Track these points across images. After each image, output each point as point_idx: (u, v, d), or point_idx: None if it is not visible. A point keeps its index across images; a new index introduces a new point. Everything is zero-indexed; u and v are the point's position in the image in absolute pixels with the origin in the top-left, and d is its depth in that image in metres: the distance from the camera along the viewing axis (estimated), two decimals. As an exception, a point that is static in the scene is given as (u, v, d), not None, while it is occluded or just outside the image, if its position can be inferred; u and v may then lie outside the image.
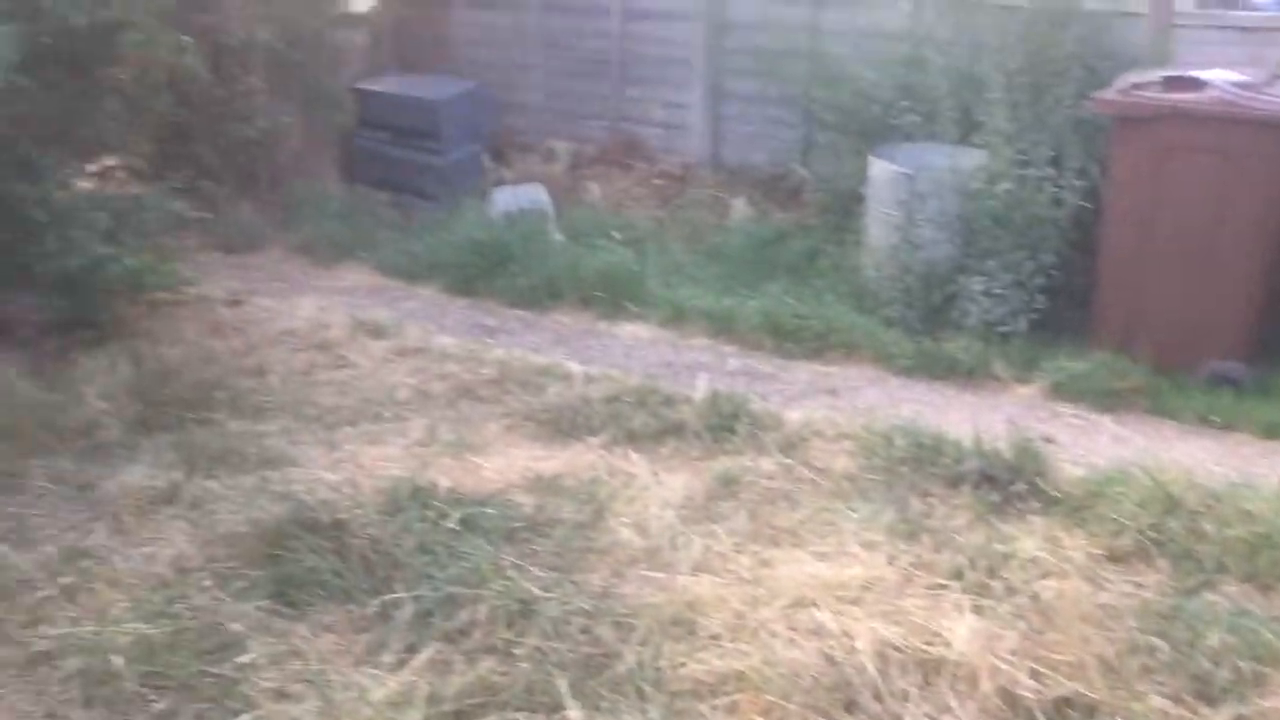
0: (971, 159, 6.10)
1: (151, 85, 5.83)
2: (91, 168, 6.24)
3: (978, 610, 3.45)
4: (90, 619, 3.36)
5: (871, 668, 3.14)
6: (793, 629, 3.35)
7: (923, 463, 4.42)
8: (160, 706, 3.07)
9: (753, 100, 7.95)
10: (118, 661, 3.15)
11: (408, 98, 8.57)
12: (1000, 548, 3.83)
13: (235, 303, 6.37)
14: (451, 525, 3.89)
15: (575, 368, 5.65)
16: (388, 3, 9.24)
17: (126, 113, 5.84)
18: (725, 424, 4.88)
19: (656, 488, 4.35)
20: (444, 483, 4.30)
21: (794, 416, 4.99)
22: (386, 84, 8.86)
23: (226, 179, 7.81)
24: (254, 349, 5.68)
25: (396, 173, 8.50)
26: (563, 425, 5.00)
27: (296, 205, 8.03)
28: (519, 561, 3.73)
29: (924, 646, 3.23)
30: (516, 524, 4.03)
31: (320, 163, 8.47)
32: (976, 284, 5.87)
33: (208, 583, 3.58)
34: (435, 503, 4.04)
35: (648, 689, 3.13)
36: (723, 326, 6.23)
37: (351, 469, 4.52)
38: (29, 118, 4.83)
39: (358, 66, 8.98)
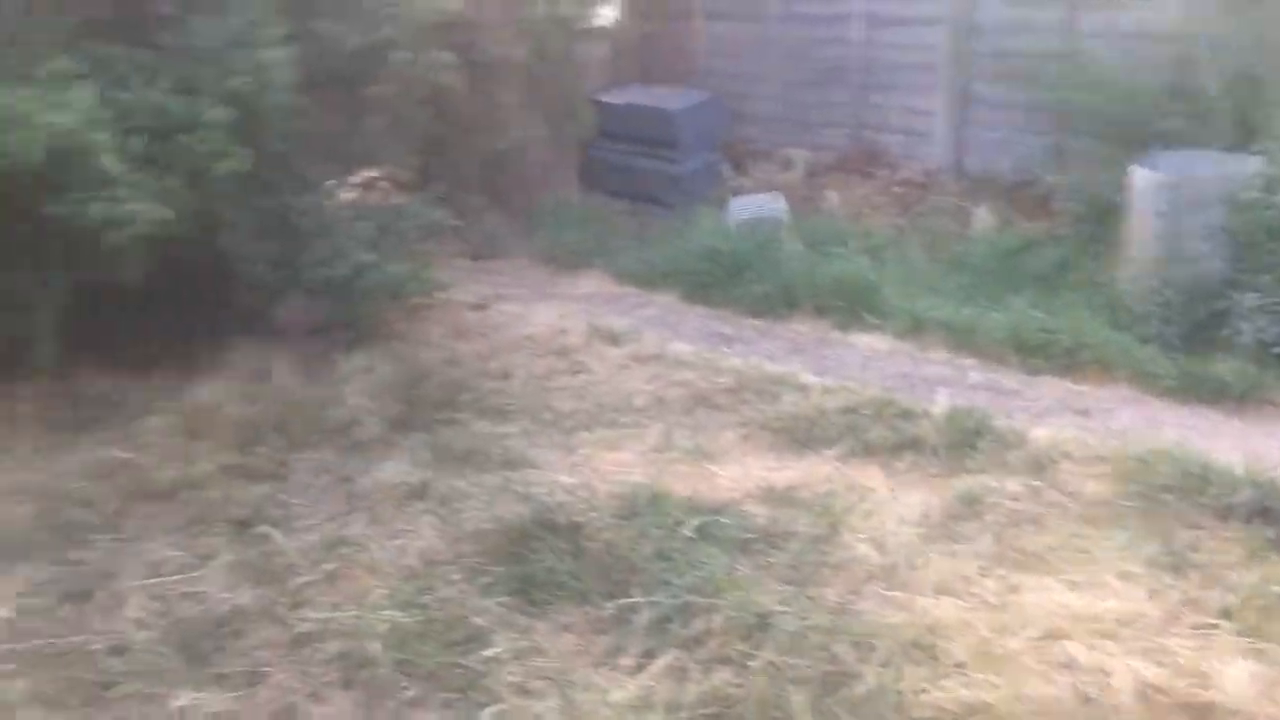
0: (1243, 166, 5.64)
1: (414, 101, 6.15)
2: (355, 180, 6.63)
3: (1254, 654, 3.17)
4: (349, 604, 3.56)
5: (1132, 708, 2.93)
6: (1043, 661, 3.18)
7: (1189, 492, 4.11)
8: (411, 694, 3.21)
9: (999, 106, 7.65)
10: (374, 647, 3.32)
11: (646, 108, 8.73)
12: (1277, 588, 3.52)
13: (480, 308, 6.63)
14: (687, 533, 3.91)
15: (811, 378, 5.58)
16: (630, 17, 9.43)
17: (390, 128, 6.18)
18: (966, 440, 4.70)
19: (893, 504, 4.24)
20: (679, 490, 4.33)
21: (1041, 436, 4.75)
22: (626, 95, 9.05)
23: (477, 189, 8.16)
24: (497, 353, 5.89)
25: (634, 182, 8.66)
26: (798, 436, 4.94)
27: (540, 214, 8.30)
28: (754, 573, 3.70)
29: (1192, 690, 3.00)
30: (751, 535, 4.00)
31: (562, 173, 8.72)
32: (1250, 300, 5.42)
33: (455, 576, 3.72)
34: (671, 510, 4.07)
35: (888, 714, 3.03)
36: (963, 339, 6.00)
37: (588, 473, 4.61)
38: (303, 134, 5.19)
39: (598, 79, 9.21)
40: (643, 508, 4.09)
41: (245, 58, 4.63)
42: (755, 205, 7.54)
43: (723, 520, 4.01)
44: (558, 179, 8.69)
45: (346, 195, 6.23)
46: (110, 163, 4.09)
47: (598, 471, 4.64)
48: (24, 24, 4.34)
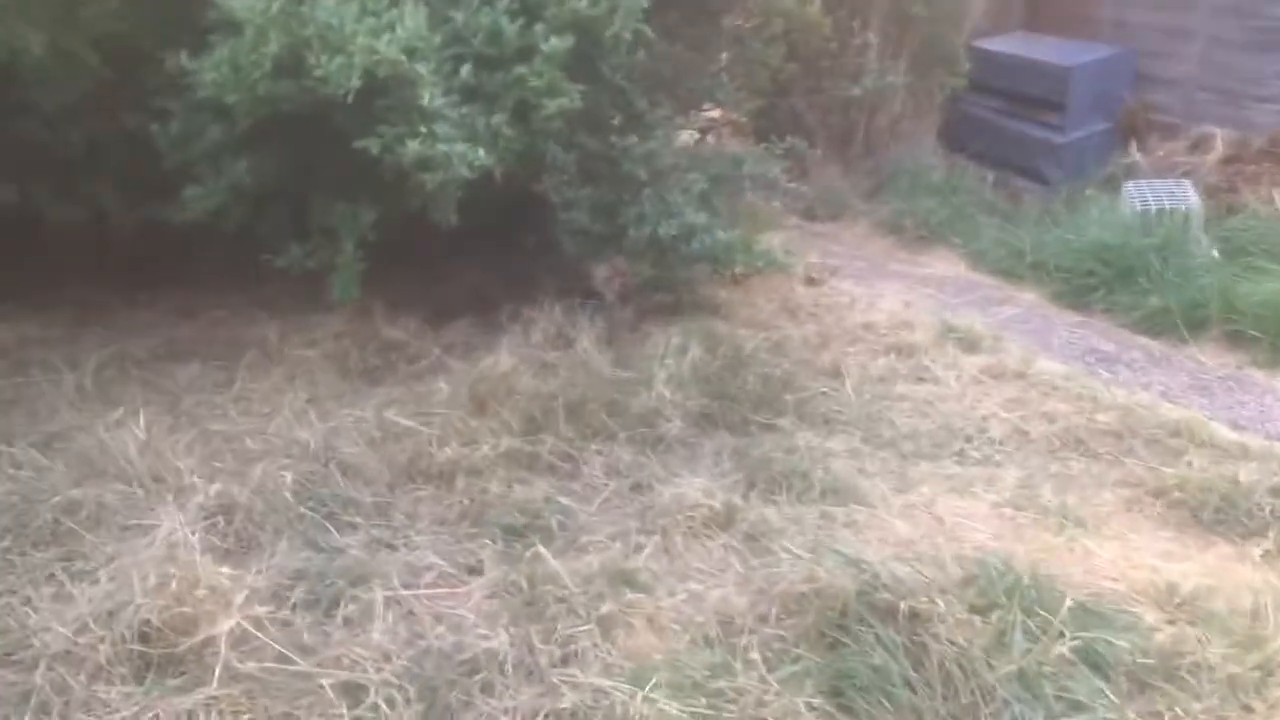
0: None
1: (769, 36, 5.33)
2: (691, 122, 5.92)
3: None
4: (620, 671, 2.89)
5: None
6: None
7: None
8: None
9: None
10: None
11: (1032, 61, 7.49)
12: None
13: (813, 281, 5.79)
14: (1064, 650, 2.95)
15: (1224, 431, 4.40)
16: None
17: (739, 65, 5.40)
18: None
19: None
20: (1046, 570, 3.36)
21: None
22: (1008, 44, 7.83)
23: (819, 140, 7.27)
24: (828, 342, 5.04)
25: (1005, 147, 7.48)
26: (1205, 514, 3.83)
27: (888, 174, 7.32)
28: (1154, 731, 2.72)
29: None
30: (1148, 662, 3.00)
31: (920, 128, 7.67)
32: None
33: (754, 654, 2.97)
34: (1041, 607, 3.12)
35: None
36: None
37: (928, 523, 3.74)
38: (644, 68, 4.48)
39: (977, 22, 7.99)
40: (1001, 599, 3.16)
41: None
42: (1158, 193, 6.20)
43: (1115, 642, 3.01)
44: (913, 134, 7.66)
45: (681, 139, 5.50)
46: (430, 97, 3.54)
47: (940, 523, 3.75)
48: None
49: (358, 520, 3.46)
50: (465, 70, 3.80)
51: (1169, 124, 7.37)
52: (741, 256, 4.77)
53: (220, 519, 3.31)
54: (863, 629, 3.00)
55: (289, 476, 3.52)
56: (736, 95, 5.52)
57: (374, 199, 4.10)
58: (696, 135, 5.74)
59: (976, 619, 3.05)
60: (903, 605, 3.03)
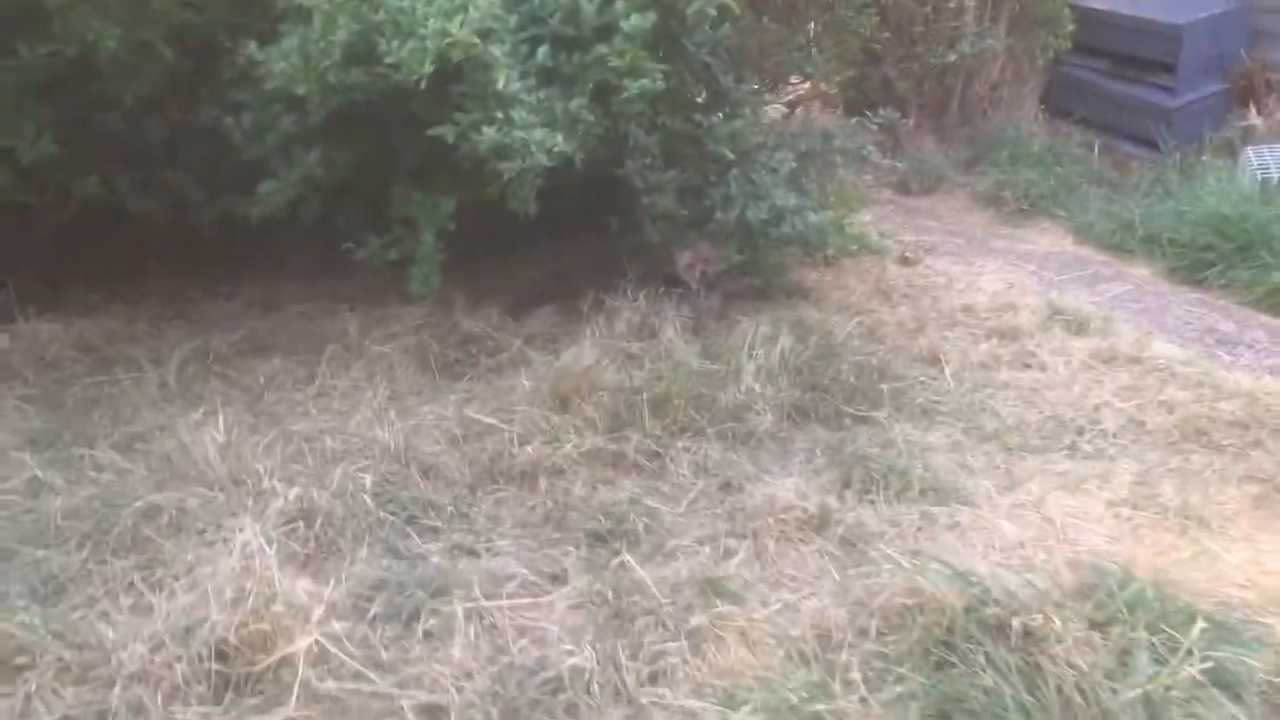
0: None
1: (861, 3, 5.06)
2: (780, 97, 5.68)
3: None
4: (712, 690, 2.74)
5: None
6: None
7: None
8: None
9: None
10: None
11: (1139, 19, 7.08)
12: None
13: (908, 260, 5.53)
14: (1193, 670, 2.72)
15: (1360, 420, 4.07)
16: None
17: (829, 34, 5.15)
18: None
19: None
20: (1169, 577, 3.12)
21: None
22: (1113, 0, 7.38)
23: (912, 109, 6.97)
24: (924, 326, 4.80)
25: (1111, 111, 7.10)
26: (1342, 513, 3.54)
27: (987, 144, 6.99)
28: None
29: None
30: (1282, 681, 2.76)
31: (1019, 94, 7.31)
32: None
33: (854, 673, 2.79)
34: (1166, 622, 2.88)
35: None
36: None
37: (1038, 525, 3.52)
38: (730, 42, 4.27)
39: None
40: (1123, 609, 2.93)
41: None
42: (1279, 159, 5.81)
43: (1248, 660, 2.77)
44: (1013, 101, 7.31)
45: (770, 114, 5.27)
46: (505, 81, 3.39)
47: (1050, 524, 3.53)
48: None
49: (438, 525, 3.36)
50: (542, 52, 3.63)
51: (1288, 83, 6.90)
52: (834, 239, 4.54)
53: (300, 524, 3.23)
54: (971, 647, 2.80)
55: (369, 479, 3.42)
56: (826, 67, 5.26)
57: (452, 187, 3.97)
58: (784, 110, 5.49)
59: (1096, 636, 2.82)
60: (1015, 622, 2.81)
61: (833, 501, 3.50)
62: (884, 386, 4.23)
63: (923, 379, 4.38)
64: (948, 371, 4.44)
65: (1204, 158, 6.30)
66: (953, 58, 6.66)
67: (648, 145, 4.15)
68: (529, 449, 3.67)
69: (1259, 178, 5.62)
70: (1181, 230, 5.59)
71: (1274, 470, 3.80)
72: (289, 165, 3.87)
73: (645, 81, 3.67)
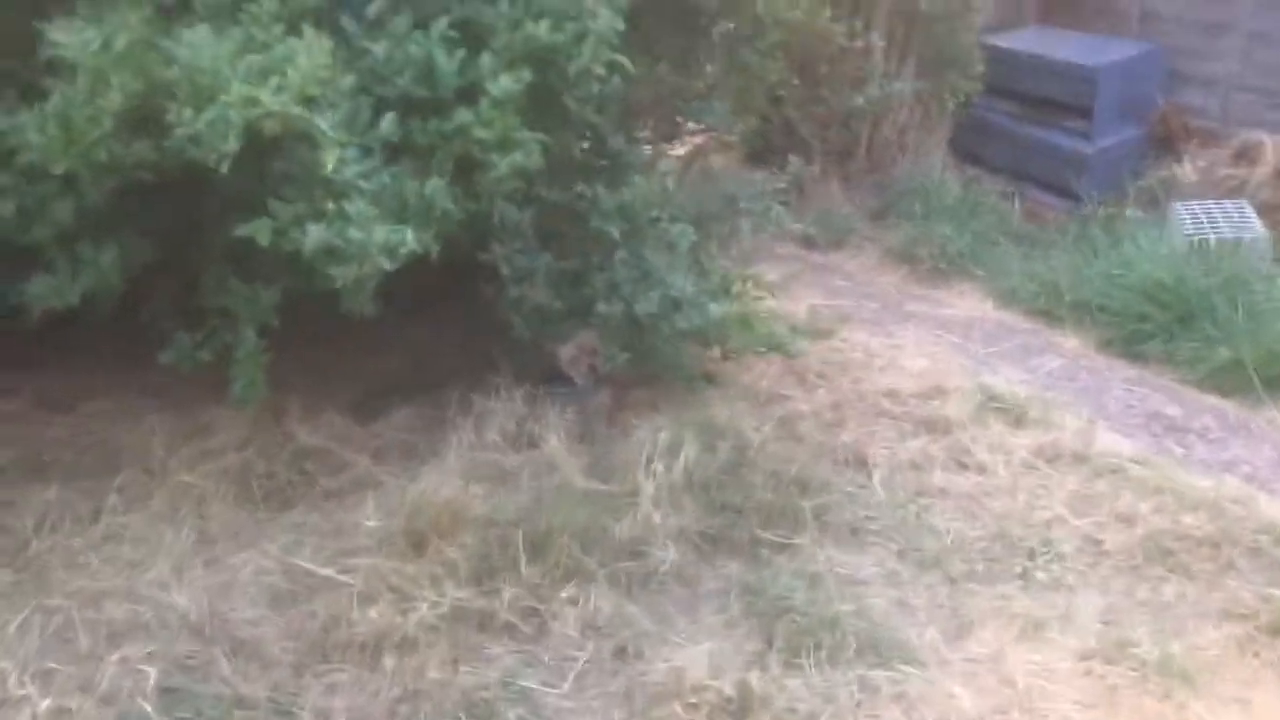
0: None
1: (767, 46, 4.42)
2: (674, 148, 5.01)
3: None
4: None
5: None
6: None
7: None
8: None
9: None
10: None
11: (1054, 61, 6.64)
12: None
13: (822, 334, 4.91)
14: None
15: (1342, 536, 3.57)
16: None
17: (731, 78, 4.51)
18: None
19: None
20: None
21: None
22: (1025, 40, 6.96)
23: (816, 155, 6.39)
24: (845, 418, 4.17)
25: (1024, 157, 6.65)
26: (1338, 659, 3.02)
27: (896, 192, 6.45)
28: None
29: None
30: None
31: (929, 139, 6.78)
32: None
33: None
34: None
35: None
36: None
37: (996, 688, 2.95)
38: (617, 94, 3.56)
39: (984, 17, 7.10)
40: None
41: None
42: (1214, 218, 5.37)
43: None
44: (922, 146, 6.77)
45: (662, 170, 4.60)
46: (336, 163, 2.64)
47: (1013, 689, 2.94)
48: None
49: (246, 734, 2.59)
50: (387, 120, 2.87)
51: (1207, 129, 6.52)
52: (737, 335, 3.87)
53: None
54: None
55: (154, 673, 2.63)
56: (728, 116, 4.62)
57: (277, 273, 3.18)
58: (679, 165, 4.84)
59: None
60: None
61: (754, 677, 2.82)
62: (805, 503, 3.59)
63: (849, 489, 3.75)
64: (875, 478, 3.83)
65: (1128, 211, 5.85)
66: (861, 101, 6.11)
67: (518, 224, 3.43)
68: (373, 612, 2.92)
69: (1193, 240, 5.18)
70: (1113, 296, 5.10)
71: (1254, 604, 3.29)
72: (72, 259, 3.03)
73: (518, 156, 2.95)
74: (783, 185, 4.58)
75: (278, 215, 2.73)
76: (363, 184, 2.69)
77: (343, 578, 3.02)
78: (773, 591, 3.17)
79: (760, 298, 4.16)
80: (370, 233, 2.64)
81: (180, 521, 3.21)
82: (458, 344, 4.14)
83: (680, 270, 3.69)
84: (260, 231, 2.73)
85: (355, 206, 2.66)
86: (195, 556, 3.09)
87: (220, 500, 3.30)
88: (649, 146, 4.26)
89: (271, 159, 2.75)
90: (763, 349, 4.01)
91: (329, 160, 2.60)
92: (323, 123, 2.60)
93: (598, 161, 3.62)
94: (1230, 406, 4.53)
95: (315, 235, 2.65)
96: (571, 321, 3.64)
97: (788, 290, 5.23)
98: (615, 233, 3.54)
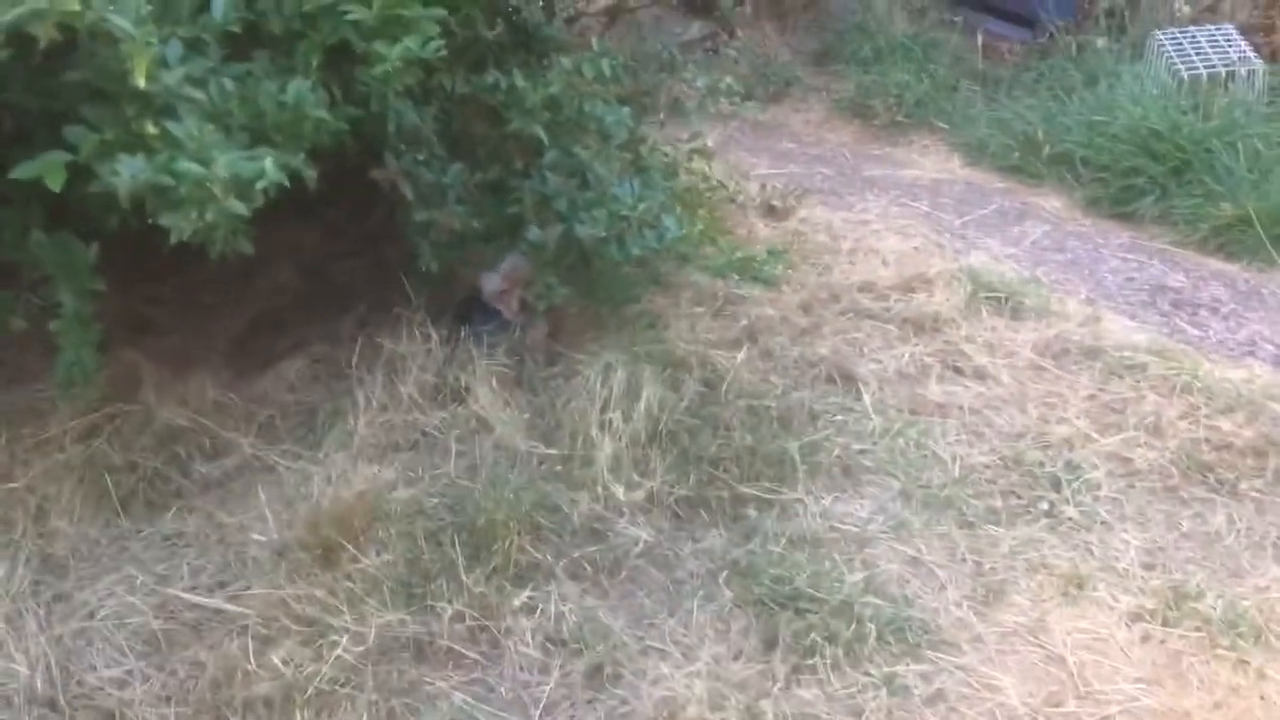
0: None
1: None
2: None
3: None
4: None
5: None
6: None
7: None
8: None
9: None
10: None
11: None
12: None
13: (776, 211, 4.26)
14: None
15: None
16: None
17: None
18: None
19: None
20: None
21: None
22: None
23: (747, -6, 5.60)
24: (820, 323, 3.56)
25: (977, -16, 5.89)
26: None
27: (836, 31, 5.71)
28: None
29: None
30: None
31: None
32: None
33: None
34: None
35: None
36: None
37: (1043, 669, 2.47)
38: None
39: None
40: None
41: None
42: (1201, 49, 4.75)
43: None
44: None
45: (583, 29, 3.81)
46: (148, 69, 1.84)
47: (1063, 668, 2.45)
48: None
49: None
50: (222, 2, 2.07)
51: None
52: (696, 258, 3.17)
53: None
54: None
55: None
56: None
57: (99, 218, 2.40)
58: (601, 22, 4.04)
59: None
60: None
61: (763, 700, 2.28)
62: (791, 444, 3.00)
63: (837, 416, 3.18)
64: (866, 398, 3.25)
65: (1098, 41, 5.19)
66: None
67: (419, 130, 2.65)
68: (276, 657, 2.28)
69: (1183, 76, 4.57)
70: (1097, 147, 4.51)
71: (1318, 526, 2.83)
72: None
73: (410, 42, 2.17)
74: (733, 53, 3.83)
75: (77, 146, 1.95)
76: (193, 93, 1.92)
77: (233, 608, 2.37)
78: (768, 571, 2.62)
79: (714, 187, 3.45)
80: (211, 163, 1.88)
81: (17, 546, 2.49)
82: (356, 266, 3.40)
83: (615, 164, 2.95)
84: (51, 172, 1.94)
85: (185, 127, 1.89)
86: (38, 595, 2.39)
87: (65, 511, 2.58)
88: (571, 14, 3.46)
89: (62, 66, 1.95)
90: (735, 275, 3.32)
91: (138, 68, 1.81)
92: (120, 19, 1.79)
93: (512, 40, 2.82)
94: (1238, 270, 4.04)
95: (131, 171, 1.88)
96: (495, 244, 2.91)
97: (727, 157, 4.56)
98: (542, 132, 2.78)
